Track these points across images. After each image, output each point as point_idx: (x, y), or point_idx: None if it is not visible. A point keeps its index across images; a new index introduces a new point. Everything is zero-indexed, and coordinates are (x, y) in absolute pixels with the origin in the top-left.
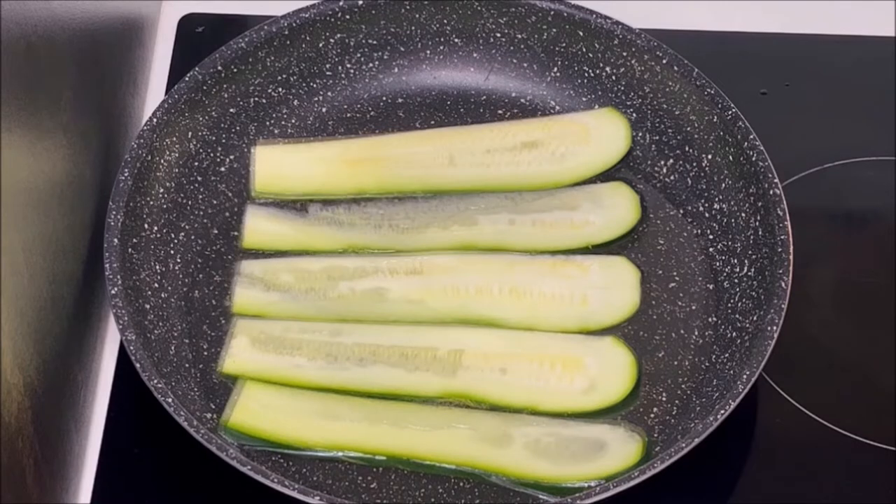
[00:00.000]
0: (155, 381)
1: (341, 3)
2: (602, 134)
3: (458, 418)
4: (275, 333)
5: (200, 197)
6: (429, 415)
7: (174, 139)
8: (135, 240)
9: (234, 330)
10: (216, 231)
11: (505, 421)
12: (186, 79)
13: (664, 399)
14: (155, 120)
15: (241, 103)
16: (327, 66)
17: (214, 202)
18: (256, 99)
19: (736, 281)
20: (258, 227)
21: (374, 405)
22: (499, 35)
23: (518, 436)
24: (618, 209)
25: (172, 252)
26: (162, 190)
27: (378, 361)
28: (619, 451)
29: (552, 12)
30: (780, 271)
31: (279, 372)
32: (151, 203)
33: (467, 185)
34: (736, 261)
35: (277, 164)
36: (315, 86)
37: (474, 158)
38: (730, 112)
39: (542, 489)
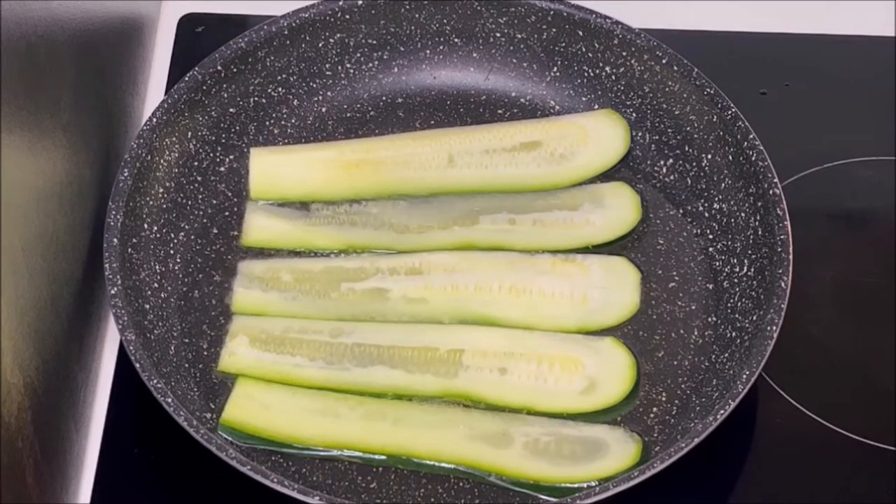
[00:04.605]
0: (155, 381)
1: (341, 3)
2: (601, 135)
3: (457, 418)
4: (274, 333)
5: (200, 197)
6: (428, 414)
7: (174, 139)
8: (134, 240)
9: (234, 329)
10: (216, 231)
11: (504, 421)
12: (186, 79)
13: (664, 399)
14: (155, 120)
15: (241, 103)
16: (327, 66)
17: (214, 202)
18: (256, 99)
19: (736, 281)
20: (258, 224)
21: (373, 404)
22: (498, 35)
23: (517, 436)
24: (619, 209)
25: (172, 252)
26: (162, 190)
27: (378, 362)
28: (618, 452)
29: (552, 12)
30: (780, 271)
31: (279, 371)
32: (151, 203)
33: (466, 187)
34: (736, 260)
35: (273, 169)
36: (315, 86)
37: (473, 159)
38: (729, 112)
39: (541, 490)
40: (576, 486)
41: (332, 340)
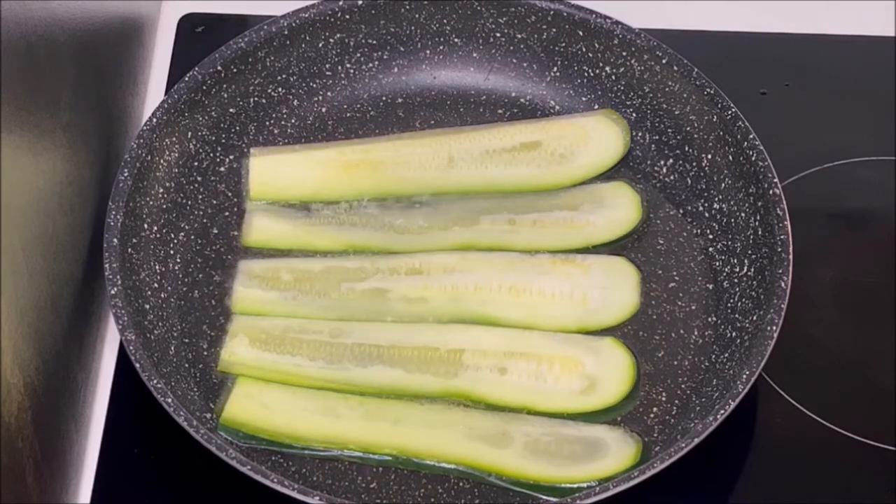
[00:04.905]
0: (154, 381)
1: (341, 3)
2: (601, 135)
3: (457, 418)
4: (274, 333)
5: (200, 197)
6: (428, 414)
7: (174, 139)
8: (134, 240)
9: (234, 329)
10: (216, 231)
11: (504, 421)
12: (186, 79)
13: (664, 399)
14: (155, 120)
15: (241, 103)
16: (327, 66)
17: (214, 202)
18: (256, 99)
19: (736, 281)
20: (259, 224)
21: (373, 404)
22: (498, 35)
23: (517, 435)
24: (619, 209)
25: (172, 252)
26: (162, 190)
27: (378, 361)
28: (618, 452)
29: (552, 12)
30: (780, 271)
31: (279, 371)
32: (151, 203)
33: (466, 187)
34: (736, 260)
35: (273, 169)
36: (315, 86)
37: (473, 160)
38: (729, 112)
39: (541, 490)
40: (576, 486)
41: (331, 340)
